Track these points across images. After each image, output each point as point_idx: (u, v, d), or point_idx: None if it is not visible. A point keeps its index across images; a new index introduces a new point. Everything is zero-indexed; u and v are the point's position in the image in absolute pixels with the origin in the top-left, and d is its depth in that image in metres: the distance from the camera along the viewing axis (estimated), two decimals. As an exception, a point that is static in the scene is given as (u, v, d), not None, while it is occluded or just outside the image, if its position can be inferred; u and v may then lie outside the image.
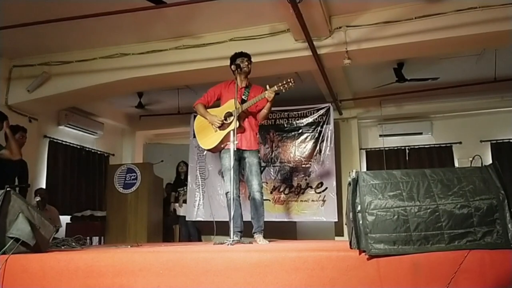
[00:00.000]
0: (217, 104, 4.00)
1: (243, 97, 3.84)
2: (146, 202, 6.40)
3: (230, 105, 3.80)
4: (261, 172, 3.94)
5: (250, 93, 3.87)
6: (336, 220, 6.55)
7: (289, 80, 3.64)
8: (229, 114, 3.79)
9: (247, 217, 3.90)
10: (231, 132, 3.58)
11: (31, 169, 6.32)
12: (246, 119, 3.86)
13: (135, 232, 6.24)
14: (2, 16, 4.10)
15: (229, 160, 3.62)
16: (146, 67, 5.60)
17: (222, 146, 3.86)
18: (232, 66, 3.88)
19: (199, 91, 7.15)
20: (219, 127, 3.82)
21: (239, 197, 3.82)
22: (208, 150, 3.98)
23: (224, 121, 3.79)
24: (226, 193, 3.72)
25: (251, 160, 3.81)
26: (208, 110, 3.94)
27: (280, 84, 3.65)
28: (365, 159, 8.08)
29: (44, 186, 6.77)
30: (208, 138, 3.90)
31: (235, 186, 3.68)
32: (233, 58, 3.91)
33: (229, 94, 3.86)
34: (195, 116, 7.21)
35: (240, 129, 3.78)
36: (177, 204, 7.20)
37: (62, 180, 7.26)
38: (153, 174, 6.70)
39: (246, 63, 3.86)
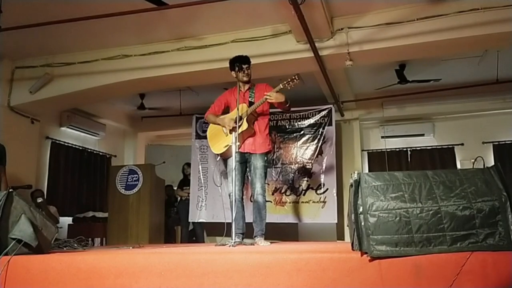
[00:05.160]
0: (226, 112, 3.99)
1: (249, 99, 3.83)
2: (148, 203, 6.40)
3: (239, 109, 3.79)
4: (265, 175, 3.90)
5: (256, 94, 3.86)
6: (336, 221, 6.54)
7: (294, 77, 3.59)
8: (239, 119, 3.75)
9: (250, 218, 3.90)
10: (234, 134, 3.57)
11: (34, 170, 6.34)
12: (256, 122, 3.84)
13: (137, 233, 6.24)
14: (4, 18, 4.10)
15: (233, 161, 3.62)
16: (148, 68, 5.61)
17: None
18: (233, 72, 3.85)
19: (201, 92, 7.18)
20: (230, 131, 3.77)
21: (242, 198, 3.83)
22: (220, 154, 3.92)
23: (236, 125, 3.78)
24: (229, 194, 3.72)
25: (256, 163, 3.79)
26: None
27: (285, 82, 3.62)
28: (367, 161, 8.06)
29: (45, 187, 6.78)
30: (220, 143, 3.89)
31: (238, 188, 3.69)
32: (232, 63, 3.84)
33: (235, 101, 3.82)
34: (197, 118, 7.33)
35: (249, 132, 3.77)
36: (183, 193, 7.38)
37: (64, 181, 7.28)
38: (155, 175, 6.70)
39: (246, 72, 3.79)
